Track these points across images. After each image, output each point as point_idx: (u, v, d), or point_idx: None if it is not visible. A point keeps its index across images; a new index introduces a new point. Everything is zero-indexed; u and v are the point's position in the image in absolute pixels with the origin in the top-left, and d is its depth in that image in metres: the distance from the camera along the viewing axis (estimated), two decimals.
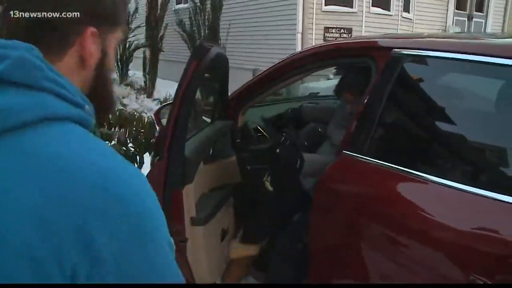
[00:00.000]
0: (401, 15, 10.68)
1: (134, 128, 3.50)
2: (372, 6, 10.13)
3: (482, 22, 13.08)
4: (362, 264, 1.84)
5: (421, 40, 2.28)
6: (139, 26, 12.23)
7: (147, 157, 3.49)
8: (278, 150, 2.08)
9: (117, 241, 0.58)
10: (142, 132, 3.48)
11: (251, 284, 2.23)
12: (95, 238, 0.56)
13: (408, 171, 1.76)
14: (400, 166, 1.79)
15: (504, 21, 13.39)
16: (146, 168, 3.43)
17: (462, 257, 1.50)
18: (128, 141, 3.44)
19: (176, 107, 1.84)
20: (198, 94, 2.68)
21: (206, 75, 2.55)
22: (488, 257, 1.45)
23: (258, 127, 3.06)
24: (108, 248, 0.57)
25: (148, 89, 11.23)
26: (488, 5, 13.05)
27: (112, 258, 0.57)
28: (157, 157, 2.04)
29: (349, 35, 9.68)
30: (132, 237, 0.59)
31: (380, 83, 1.99)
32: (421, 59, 2.02)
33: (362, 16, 9.97)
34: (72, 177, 0.57)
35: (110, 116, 3.49)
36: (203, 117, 2.68)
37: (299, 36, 9.38)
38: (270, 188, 2.09)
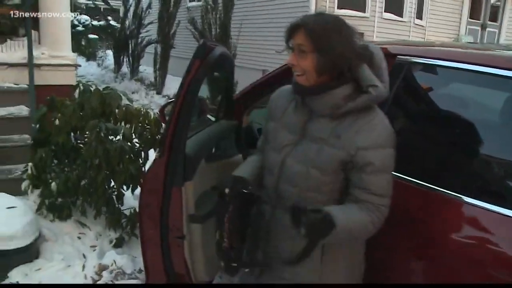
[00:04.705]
0: (414, 22, 10.65)
1: (140, 124, 3.51)
2: (385, 11, 10.11)
3: (496, 32, 13.02)
4: None
5: (425, 49, 2.29)
6: (151, 22, 12.30)
7: (152, 154, 3.51)
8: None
9: None
10: (148, 128, 3.48)
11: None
12: None
13: None
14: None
15: None
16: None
17: None
18: (134, 137, 3.45)
19: (178, 105, 1.86)
20: (207, 92, 2.70)
21: (216, 73, 2.56)
22: None
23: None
24: None
25: (158, 85, 11.28)
26: (502, 15, 12.99)
27: None
28: (158, 153, 2.05)
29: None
30: None
31: None
32: (425, 67, 2.03)
33: (374, 21, 9.95)
34: None
35: (116, 110, 3.51)
36: (208, 116, 2.70)
37: None
38: None
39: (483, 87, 1.91)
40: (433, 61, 1.95)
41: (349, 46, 1.54)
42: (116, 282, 3.10)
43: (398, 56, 2.05)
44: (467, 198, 1.65)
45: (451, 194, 1.69)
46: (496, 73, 1.72)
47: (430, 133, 1.96)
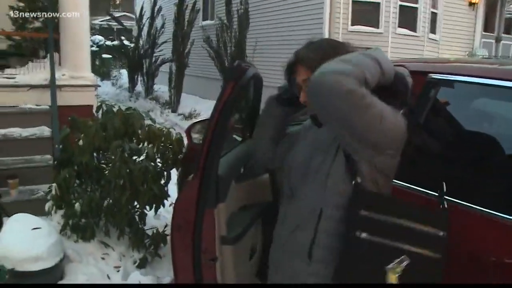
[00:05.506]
0: (428, 37, 10.64)
1: (162, 144, 3.52)
2: (399, 27, 10.12)
3: (510, 44, 12.95)
4: None
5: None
6: (165, 42, 12.45)
7: (174, 173, 3.52)
8: None
9: None
10: (170, 147, 3.49)
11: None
12: None
13: None
14: None
15: None
16: (172, 184, 3.45)
17: None
18: (156, 157, 3.46)
19: (212, 125, 1.86)
20: None
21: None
22: None
23: None
24: None
25: (173, 104, 11.36)
26: None
27: None
28: (191, 175, 2.05)
29: None
30: None
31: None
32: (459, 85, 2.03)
33: (388, 36, 9.96)
34: None
35: (139, 130, 3.52)
36: (234, 136, 2.69)
37: None
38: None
39: None
40: (468, 79, 1.93)
41: None
42: None
43: (429, 74, 2.04)
44: None
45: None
46: None
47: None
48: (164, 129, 3.64)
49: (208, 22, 13.55)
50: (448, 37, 11.43)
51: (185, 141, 3.30)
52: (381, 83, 1.47)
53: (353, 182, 1.48)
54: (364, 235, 1.39)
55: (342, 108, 1.38)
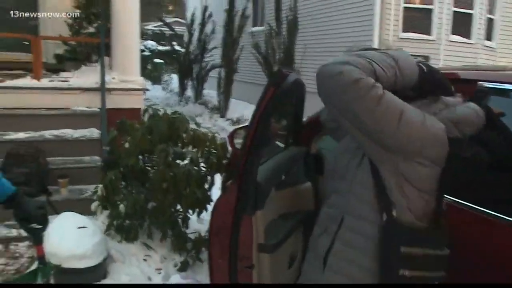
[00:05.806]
0: (483, 44, 10.26)
1: (206, 148, 3.53)
2: (452, 33, 9.82)
3: None
4: None
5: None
6: (215, 47, 12.59)
7: (218, 178, 3.52)
8: None
9: None
10: (214, 152, 3.50)
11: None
12: None
13: None
14: None
15: None
16: (216, 189, 3.45)
17: None
18: (200, 161, 3.47)
19: (251, 132, 1.84)
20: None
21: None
22: None
23: None
24: None
25: (221, 109, 11.45)
26: None
27: None
28: (230, 181, 2.04)
29: None
30: None
31: None
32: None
33: (441, 44, 9.68)
34: None
35: (184, 134, 3.55)
36: (277, 142, 2.67)
37: None
38: None
39: None
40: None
41: None
42: None
43: (479, 82, 1.95)
44: None
45: None
46: None
47: None
48: (209, 133, 3.66)
49: (257, 28, 13.61)
50: (506, 44, 10.98)
51: (230, 147, 3.31)
52: (399, 84, 1.40)
53: (388, 215, 1.40)
54: (407, 272, 1.36)
55: (347, 100, 1.32)
